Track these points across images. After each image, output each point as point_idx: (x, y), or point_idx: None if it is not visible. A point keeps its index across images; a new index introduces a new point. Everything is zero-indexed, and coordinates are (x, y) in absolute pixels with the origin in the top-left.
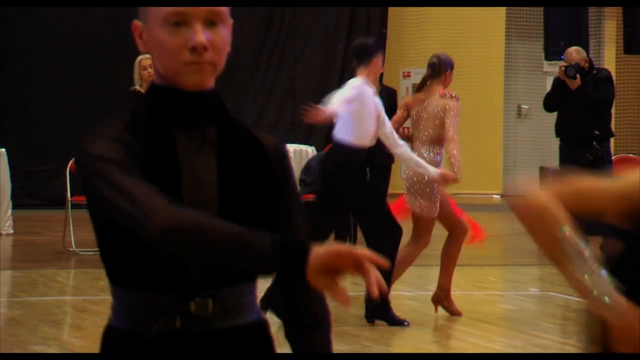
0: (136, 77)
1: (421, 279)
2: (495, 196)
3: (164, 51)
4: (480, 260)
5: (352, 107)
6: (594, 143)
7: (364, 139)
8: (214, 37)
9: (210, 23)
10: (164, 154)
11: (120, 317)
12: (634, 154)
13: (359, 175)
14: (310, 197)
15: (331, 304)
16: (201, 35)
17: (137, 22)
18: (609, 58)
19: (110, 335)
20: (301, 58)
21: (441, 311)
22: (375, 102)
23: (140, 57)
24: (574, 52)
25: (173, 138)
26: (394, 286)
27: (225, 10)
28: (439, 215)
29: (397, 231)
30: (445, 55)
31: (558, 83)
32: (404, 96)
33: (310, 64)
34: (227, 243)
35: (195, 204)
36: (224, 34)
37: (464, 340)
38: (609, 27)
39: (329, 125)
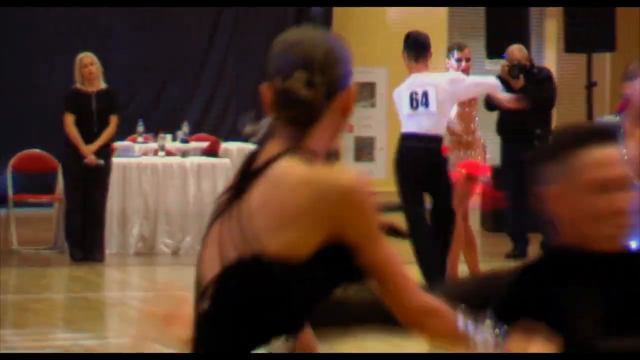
0: (77, 75)
1: None
2: None
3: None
4: None
5: None
6: (535, 142)
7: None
8: None
9: None
10: None
11: None
12: None
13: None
14: None
15: None
16: None
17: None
18: (550, 57)
19: None
20: (246, 57)
21: None
22: None
23: (80, 55)
24: (516, 51)
25: None
26: None
27: None
28: None
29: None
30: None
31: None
32: None
33: (255, 63)
34: None
35: None
36: None
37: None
38: (549, 26)
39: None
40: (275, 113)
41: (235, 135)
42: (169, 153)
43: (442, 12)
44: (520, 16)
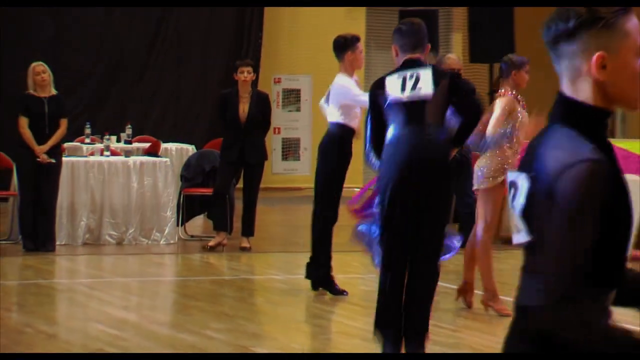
0: (30, 82)
1: (289, 264)
2: (356, 189)
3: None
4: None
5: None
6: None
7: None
8: None
9: None
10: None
11: None
12: None
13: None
14: (199, 191)
15: (208, 287)
16: None
17: (602, 53)
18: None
19: None
20: (185, 60)
21: (309, 293)
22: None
23: (34, 64)
24: (456, 61)
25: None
26: (266, 270)
27: None
28: None
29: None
30: (514, 56)
31: None
32: (274, 100)
33: (194, 66)
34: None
35: None
36: None
37: (327, 319)
38: (456, 38)
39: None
40: None
41: (173, 137)
42: (113, 153)
43: (360, 23)
44: (429, 29)
